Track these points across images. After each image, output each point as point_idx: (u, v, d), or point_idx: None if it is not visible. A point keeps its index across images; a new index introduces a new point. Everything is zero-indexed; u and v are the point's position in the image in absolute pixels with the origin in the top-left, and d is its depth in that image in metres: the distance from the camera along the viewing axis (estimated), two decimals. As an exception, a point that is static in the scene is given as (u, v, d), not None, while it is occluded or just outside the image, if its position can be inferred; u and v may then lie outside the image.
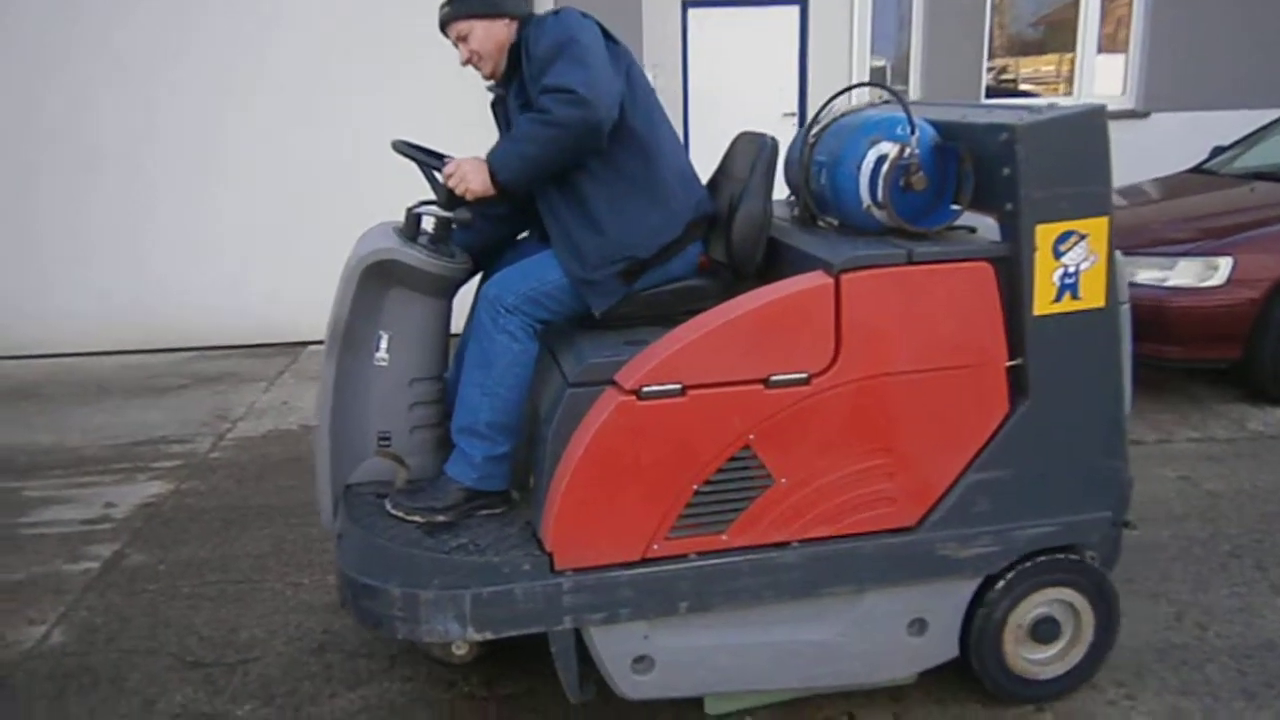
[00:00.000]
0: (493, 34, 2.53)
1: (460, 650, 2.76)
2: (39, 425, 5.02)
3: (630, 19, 6.42)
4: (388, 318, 2.55)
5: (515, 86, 2.53)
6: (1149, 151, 6.52)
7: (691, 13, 7.32)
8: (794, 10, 7.46)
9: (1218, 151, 6.18)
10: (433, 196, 2.58)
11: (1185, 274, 4.71)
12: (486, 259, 2.75)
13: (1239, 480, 4.00)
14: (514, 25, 2.54)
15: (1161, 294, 4.70)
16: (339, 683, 2.78)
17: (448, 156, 2.56)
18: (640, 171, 2.47)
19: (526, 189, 2.51)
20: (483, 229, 2.69)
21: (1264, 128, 6.17)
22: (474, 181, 2.41)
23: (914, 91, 7.73)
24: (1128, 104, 7.93)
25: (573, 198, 2.45)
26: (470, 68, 2.62)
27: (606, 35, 2.45)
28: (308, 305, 6.09)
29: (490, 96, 2.72)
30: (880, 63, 8.04)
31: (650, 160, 2.47)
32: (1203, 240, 4.81)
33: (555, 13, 2.44)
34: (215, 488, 4.19)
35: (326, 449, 2.55)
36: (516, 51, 2.51)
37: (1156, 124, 7.71)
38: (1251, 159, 5.90)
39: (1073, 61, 8.56)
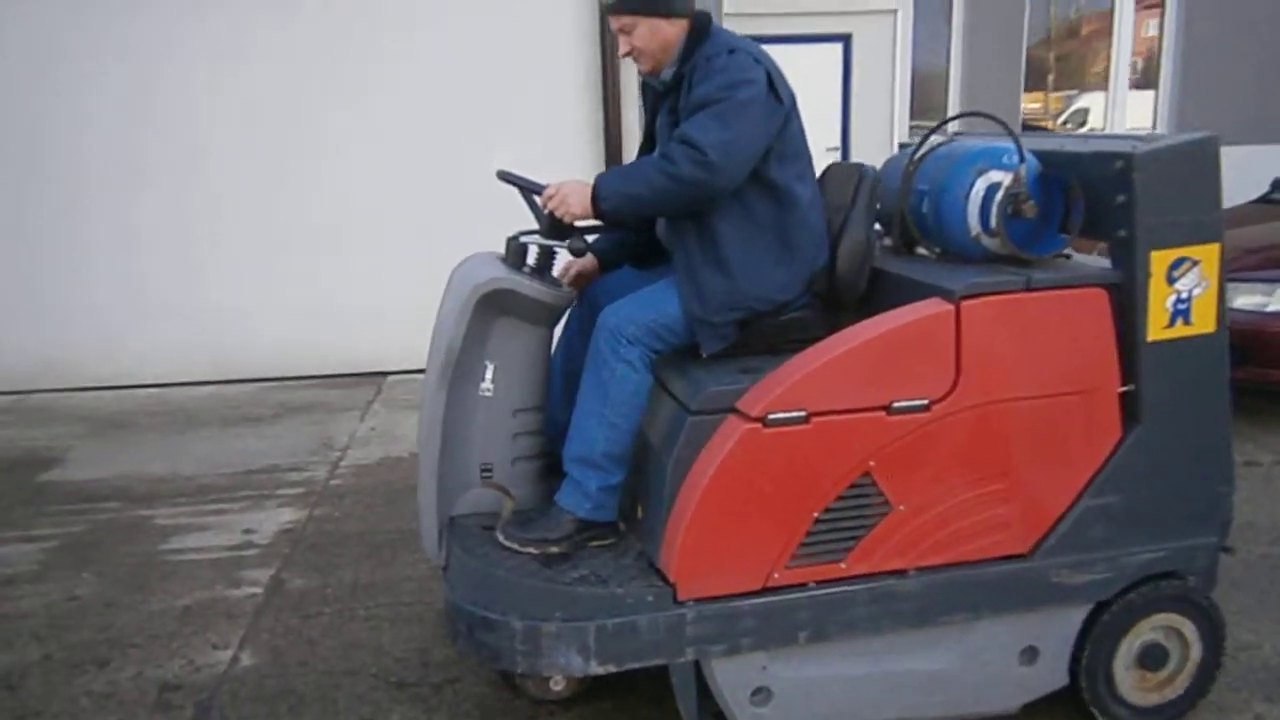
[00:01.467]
0: (658, 33, 2.48)
1: (558, 686, 2.71)
2: (145, 456, 4.96)
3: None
4: (494, 347, 2.54)
5: (672, 100, 2.51)
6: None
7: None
8: (838, 47, 7.65)
9: (1279, 184, 6.39)
10: (534, 226, 2.59)
11: None
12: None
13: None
14: (680, 24, 2.49)
15: (1262, 319, 4.83)
16: (550, 701, 2.75)
17: (548, 185, 2.56)
18: (774, 222, 2.47)
19: (625, 221, 2.52)
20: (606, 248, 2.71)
21: None
22: (574, 204, 2.42)
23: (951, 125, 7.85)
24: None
25: (706, 235, 2.44)
26: (630, 59, 2.59)
27: (773, 86, 2.41)
28: (389, 337, 6.17)
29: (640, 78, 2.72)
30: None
31: (786, 213, 2.47)
32: None
33: (732, 50, 2.41)
34: (349, 514, 4.18)
35: (433, 480, 2.53)
36: (685, 65, 2.47)
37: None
38: None
39: (1059, 101, 8.77)
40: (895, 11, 7.67)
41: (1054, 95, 9.20)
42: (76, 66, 5.93)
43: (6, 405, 5.90)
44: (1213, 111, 7.82)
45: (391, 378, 6.27)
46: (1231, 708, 2.71)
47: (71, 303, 6.13)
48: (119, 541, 3.94)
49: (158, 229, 6.11)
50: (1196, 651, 2.60)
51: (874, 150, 7.67)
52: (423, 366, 2.65)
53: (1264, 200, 6.28)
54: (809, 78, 7.46)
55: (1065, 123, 9.00)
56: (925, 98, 8.23)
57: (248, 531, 4.02)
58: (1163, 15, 8.19)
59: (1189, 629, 2.58)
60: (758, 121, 2.37)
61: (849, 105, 7.65)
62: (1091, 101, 8.97)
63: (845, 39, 7.65)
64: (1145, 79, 8.60)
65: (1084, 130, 8.69)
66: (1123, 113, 8.31)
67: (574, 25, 6.17)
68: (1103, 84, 8.71)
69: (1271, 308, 4.84)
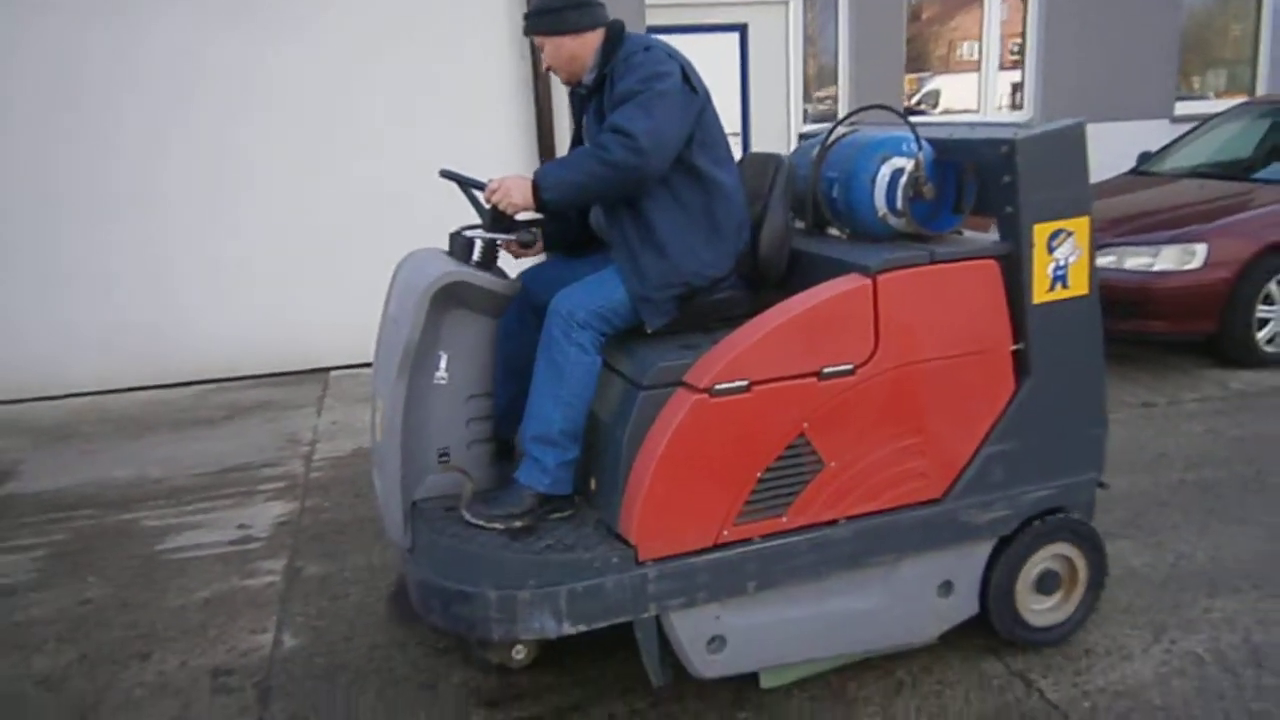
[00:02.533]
0: (563, 49, 2.72)
1: (519, 655, 2.84)
2: (103, 463, 4.86)
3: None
4: (447, 338, 2.67)
5: (597, 101, 2.71)
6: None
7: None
8: (734, 36, 7.96)
9: (1145, 157, 7.14)
10: (476, 221, 2.73)
11: (1168, 259, 5.51)
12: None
13: (1251, 428, 4.73)
14: (590, 37, 2.71)
15: (1147, 278, 5.50)
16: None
17: (489, 180, 2.70)
18: (700, 206, 2.68)
19: (565, 209, 2.70)
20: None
21: (1184, 135, 7.21)
22: (516, 196, 2.58)
23: (842, 106, 8.31)
24: (1024, 119, 8.77)
25: (640, 220, 2.64)
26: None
27: (687, 78, 2.62)
28: (330, 332, 6.18)
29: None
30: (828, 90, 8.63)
31: (711, 198, 2.69)
32: (1178, 229, 5.57)
33: (647, 48, 2.63)
34: (340, 504, 4.22)
35: (398, 466, 2.64)
36: (605, 67, 2.68)
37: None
38: (1181, 160, 6.93)
39: (913, 82, 9.34)
40: (788, 2, 8.05)
41: (909, 77, 9.78)
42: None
43: None
44: (1074, 91, 8.53)
45: (335, 372, 6.27)
46: (1183, 604, 3.16)
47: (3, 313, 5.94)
48: (110, 546, 3.91)
49: (84, 234, 5.98)
50: (1084, 575, 2.96)
51: (773, 136, 8.07)
52: (367, 360, 2.75)
53: (1135, 172, 7.05)
54: (709, 66, 7.73)
55: (919, 103, 9.55)
56: (820, 81, 8.67)
57: (242, 527, 4.04)
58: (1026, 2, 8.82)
59: (1077, 556, 2.94)
60: (677, 109, 2.59)
61: (747, 93, 7.98)
62: (942, 83, 9.58)
63: (742, 28, 7.98)
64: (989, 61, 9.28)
65: (938, 111, 9.28)
66: (993, 94, 8.94)
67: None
68: (944, 67, 9.31)
69: (1156, 267, 5.49)
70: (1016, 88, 9.13)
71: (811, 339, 2.52)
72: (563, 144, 6.18)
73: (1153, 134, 7.89)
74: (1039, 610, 2.93)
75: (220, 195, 6.17)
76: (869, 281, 2.54)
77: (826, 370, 2.52)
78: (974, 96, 9.07)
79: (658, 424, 2.47)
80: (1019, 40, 9.03)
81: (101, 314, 6.06)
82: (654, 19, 7.20)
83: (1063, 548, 2.91)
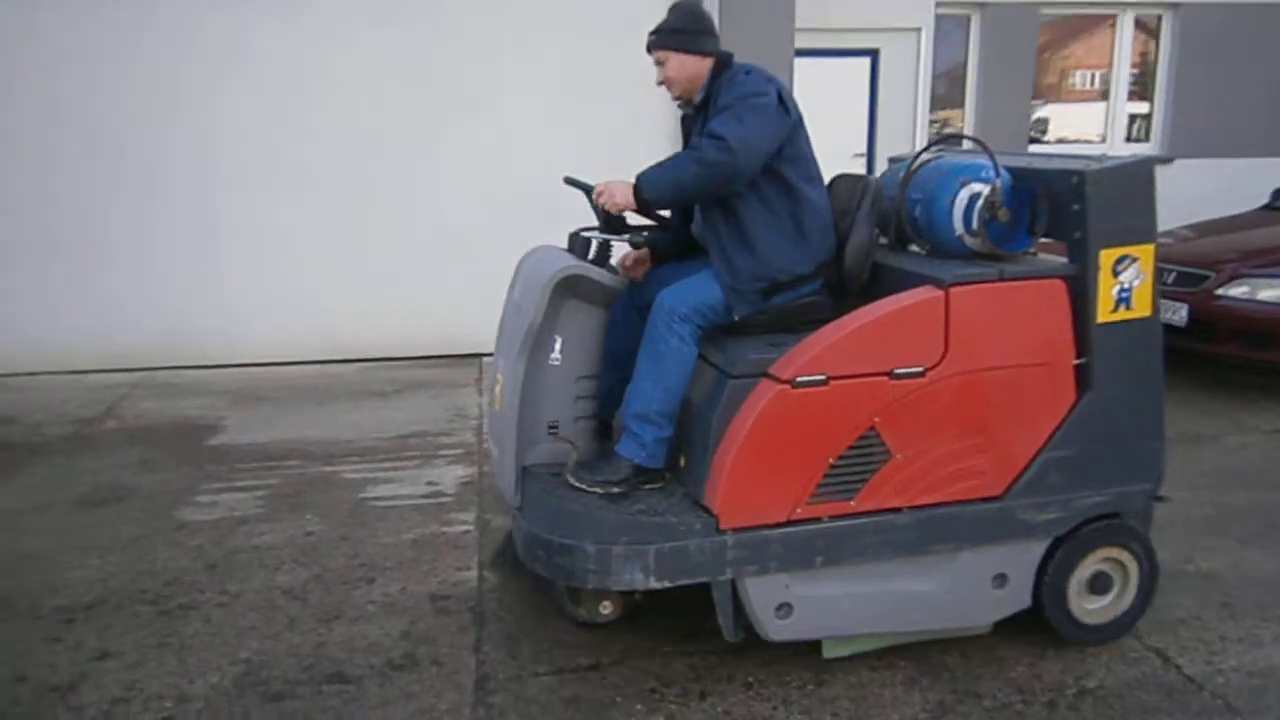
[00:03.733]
0: (685, 67, 3.07)
1: (606, 610, 3.21)
2: (295, 423, 5.46)
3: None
4: (563, 323, 3.05)
5: (702, 118, 3.05)
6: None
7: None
8: (866, 61, 8.34)
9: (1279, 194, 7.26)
10: (593, 223, 3.10)
11: None
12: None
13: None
14: (707, 62, 3.05)
15: None
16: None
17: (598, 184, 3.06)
18: (787, 212, 3.00)
19: (664, 208, 3.05)
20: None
21: None
22: (619, 197, 2.94)
23: (969, 129, 8.57)
24: (1152, 150, 8.92)
25: (733, 221, 2.98)
26: (663, 88, 3.16)
27: (783, 100, 2.95)
28: (480, 320, 6.45)
29: (679, 113, 3.28)
30: (942, 113, 8.93)
31: (797, 206, 3.00)
32: None
33: (748, 72, 2.97)
34: None
35: (514, 434, 3.02)
36: (711, 87, 3.02)
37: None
38: None
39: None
40: (920, 30, 8.35)
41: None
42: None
43: (136, 380, 6.36)
44: (1202, 127, 8.56)
45: (486, 359, 6.71)
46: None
47: (192, 287, 6.62)
48: (320, 491, 4.45)
49: (284, 228, 6.67)
50: (1135, 580, 3.16)
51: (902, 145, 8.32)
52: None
53: (1269, 207, 7.17)
54: (839, 89, 8.18)
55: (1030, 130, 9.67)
56: (948, 104, 8.96)
57: (431, 484, 4.54)
58: (1159, 33, 8.86)
59: (1129, 561, 3.15)
60: (769, 122, 2.91)
61: (875, 114, 8.30)
62: (1051, 111, 9.67)
63: (873, 54, 8.34)
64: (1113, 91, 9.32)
65: (1047, 138, 9.37)
66: (1119, 125, 9.00)
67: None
68: (1055, 96, 9.41)
69: None
70: (1134, 119, 9.18)
71: (886, 342, 2.81)
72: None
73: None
74: (1090, 609, 3.15)
75: (383, 189, 6.72)
76: (942, 294, 2.81)
77: (898, 371, 2.81)
78: (1084, 125, 9.16)
79: (743, 409, 2.80)
80: (1135, 70, 9.07)
81: (274, 290, 6.67)
82: (796, 43, 7.54)
83: (1115, 552, 3.12)
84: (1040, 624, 3.12)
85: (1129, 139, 9.10)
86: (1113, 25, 8.97)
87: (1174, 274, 6.00)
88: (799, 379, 2.76)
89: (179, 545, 3.90)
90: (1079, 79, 9.56)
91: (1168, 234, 6.32)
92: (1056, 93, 9.48)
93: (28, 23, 6.21)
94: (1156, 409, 3.08)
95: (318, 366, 6.69)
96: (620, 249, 3.19)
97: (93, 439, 5.23)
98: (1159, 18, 8.93)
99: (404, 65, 6.60)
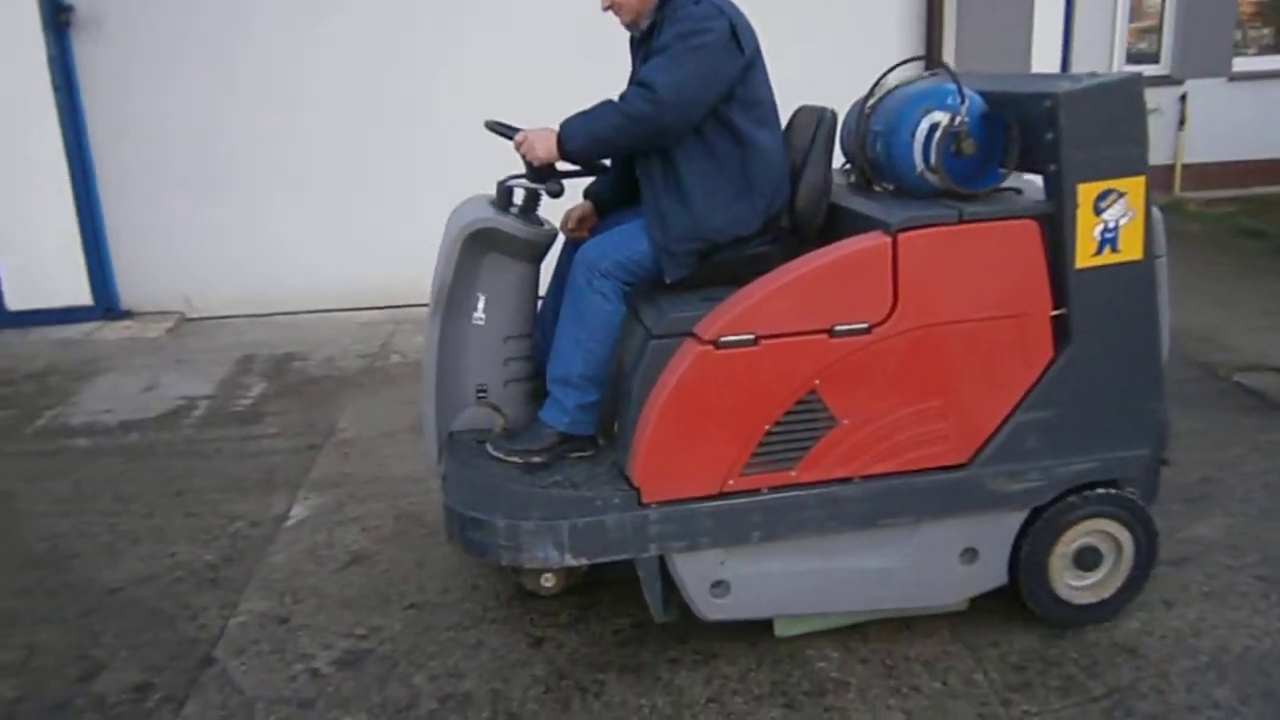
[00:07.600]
0: None
1: (549, 583, 3.03)
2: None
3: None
4: (485, 281, 2.82)
5: (645, 48, 2.76)
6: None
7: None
8: None
9: None
10: (522, 170, 2.85)
11: None
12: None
13: None
14: None
15: None
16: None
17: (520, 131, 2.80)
18: (734, 163, 2.69)
19: (589, 160, 2.78)
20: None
21: None
22: (540, 149, 2.67)
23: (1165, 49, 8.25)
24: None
25: (670, 170, 2.69)
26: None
27: (736, 35, 2.61)
28: None
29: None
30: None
31: (746, 155, 2.69)
32: None
33: (697, 1, 2.63)
34: None
35: (433, 400, 2.84)
36: (658, 14, 2.71)
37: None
38: None
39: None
40: None
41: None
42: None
43: (386, 318, 6.50)
44: None
45: None
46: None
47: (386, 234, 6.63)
48: None
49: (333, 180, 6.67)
50: (1129, 556, 2.82)
51: (1096, 61, 8.02)
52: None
53: None
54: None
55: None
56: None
57: None
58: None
59: (1123, 535, 2.80)
60: (711, 64, 2.59)
61: (1070, 29, 7.70)
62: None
63: None
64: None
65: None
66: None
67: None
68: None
69: None
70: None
71: (823, 296, 2.51)
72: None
73: None
74: (1076, 586, 2.83)
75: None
76: (888, 240, 2.49)
77: (839, 328, 2.51)
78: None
79: (665, 373, 2.54)
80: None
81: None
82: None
83: (1105, 524, 2.78)
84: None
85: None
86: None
87: None
88: (724, 339, 2.49)
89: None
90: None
91: None
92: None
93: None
94: (1152, 365, 2.70)
95: (358, 314, 6.63)
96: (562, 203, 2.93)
97: (386, 372, 5.40)
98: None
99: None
